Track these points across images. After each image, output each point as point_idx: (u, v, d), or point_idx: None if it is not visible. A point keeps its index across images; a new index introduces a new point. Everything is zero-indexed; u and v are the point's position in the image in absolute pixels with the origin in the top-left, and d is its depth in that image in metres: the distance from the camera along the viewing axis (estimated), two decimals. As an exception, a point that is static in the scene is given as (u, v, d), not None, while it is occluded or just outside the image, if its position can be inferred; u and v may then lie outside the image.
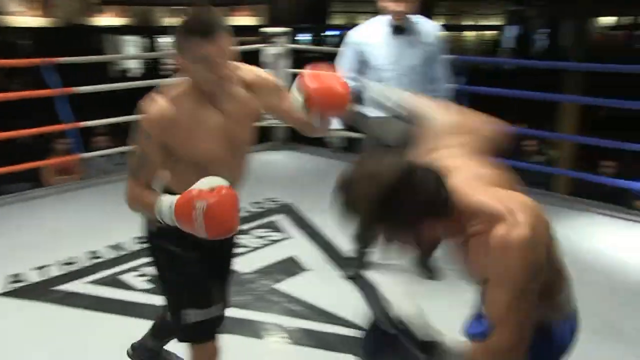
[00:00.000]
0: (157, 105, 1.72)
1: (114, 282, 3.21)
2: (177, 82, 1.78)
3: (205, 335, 1.93)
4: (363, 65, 3.04)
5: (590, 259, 3.35)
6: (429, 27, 3.05)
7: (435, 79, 3.07)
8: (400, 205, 1.20)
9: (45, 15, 17.40)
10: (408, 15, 2.96)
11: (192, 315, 1.87)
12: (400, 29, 2.97)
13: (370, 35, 3.02)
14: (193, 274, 1.90)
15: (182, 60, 1.69)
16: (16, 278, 3.25)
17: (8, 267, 3.34)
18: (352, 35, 3.09)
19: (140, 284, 3.17)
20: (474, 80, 4.83)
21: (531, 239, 1.22)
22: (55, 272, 3.33)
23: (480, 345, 1.30)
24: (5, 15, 16.58)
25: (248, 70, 1.89)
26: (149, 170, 1.76)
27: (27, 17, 17.06)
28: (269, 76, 1.95)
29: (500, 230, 1.23)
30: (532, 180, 4.21)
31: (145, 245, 1.97)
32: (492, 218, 1.25)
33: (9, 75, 14.01)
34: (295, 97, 1.85)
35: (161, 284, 1.98)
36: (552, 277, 1.40)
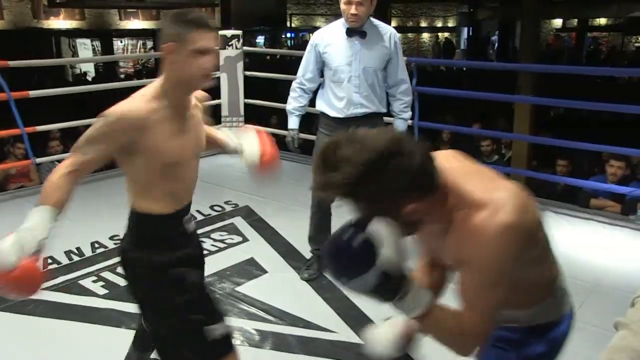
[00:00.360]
0: (134, 104, 1.69)
1: (72, 287, 3.17)
2: (149, 85, 1.77)
3: (231, 344, 1.88)
4: (324, 66, 3.13)
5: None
6: (386, 30, 3.12)
7: (394, 81, 3.15)
8: (387, 173, 1.15)
9: (-6, 18, 16.95)
10: (368, 18, 3.02)
11: (219, 329, 1.81)
12: (356, 32, 3.02)
13: (330, 37, 3.09)
14: (201, 288, 1.89)
15: (175, 51, 1.66)
16: None
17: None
18: (314, 37, 3.18)
19: (99, 289, 3.14)
20: (431, 82, 4.93)
21: (512, 227, 1.21)
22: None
23: (452, 315, 1.28)
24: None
25: None
26: (89, 158, 1.68)
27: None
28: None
29: (482, 215, 1.23)
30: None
31: (126, 268, 1.88)
32: (477, 203, 1.24)
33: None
34: (239, 142, 2.05)
35: (160, 307, 1.83)
36: (545, 272, 1.43)
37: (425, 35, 24.33)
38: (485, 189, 1.27)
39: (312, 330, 2.76)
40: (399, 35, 3.16)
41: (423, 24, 23.90)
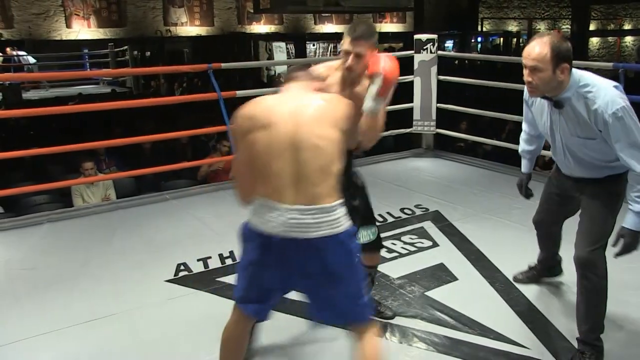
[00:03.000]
0: None
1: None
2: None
3: None
4: None
5: None
6: (594, 103, 2.31)
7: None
8: None
9: (204, 24, 18.58)
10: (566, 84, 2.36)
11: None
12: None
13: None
14: None
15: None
16: (184, 267, 3.52)
17: (177, 257, 3.63)
18: None
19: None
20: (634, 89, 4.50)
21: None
22: (215, 264, 3.56)
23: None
24: (172, 26, 17.93)
25: None
26: None
27: (190, 27, 18.33)
28: None
29: None
30: None
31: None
32: None
33: (172, 81, 15.17)
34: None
35: None
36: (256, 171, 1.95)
37: (629, 39, 22.39)
38: None
39: (503, 343, 2.65)
40: (617, 108, 2.25)
41: (627, 26, 21.97)
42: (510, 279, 3.23)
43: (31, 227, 4.34)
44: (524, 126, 2.89)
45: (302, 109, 1.96)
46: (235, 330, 2.09)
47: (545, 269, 3.16)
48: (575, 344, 2.56)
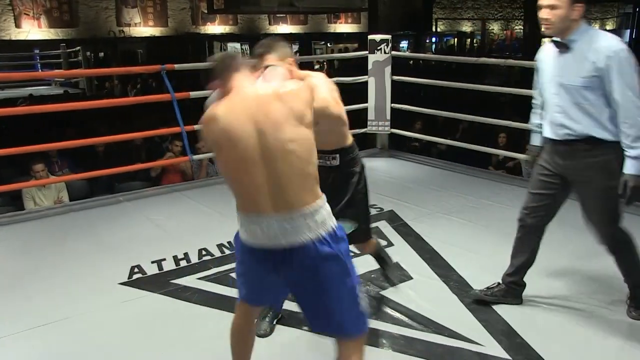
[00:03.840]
0: None
1: (221, 279, 3.34)
2: None
3: None
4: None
5: None
6: (600, 44, 2.51)
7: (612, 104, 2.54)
8: None
9: (158, 25, 18.34)
10: (577, 25, 2.56)
11: None
12: (561, 43, 2.61)
13: (545, 51, 2.77)
14: None
15: None
16: (138, 269, 3.48)
17: (131, 259, 3.58)
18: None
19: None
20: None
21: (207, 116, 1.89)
22: (169, 266, 3.52)
23: None
24: (125, 26, 17.64)
25: None
26: None
27: (144, 27, 18.07)
28: None
29: None
30: None
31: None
32: None
33: (125, 82, 14.93)
34: None
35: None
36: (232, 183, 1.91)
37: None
38: None
39: (457, 340, 2.69)
40: (620, 48, 2.46)
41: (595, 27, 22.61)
42: (465, 277, 3.28)
43: (-21, 231, 4.22)
44: (535, 96, 2.93)
45: (261, 115, 1.83)
46: (242, 320, 2.12)
47: (511, 291, 2.98)
48: (532, 342, 2.64)
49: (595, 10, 22.40)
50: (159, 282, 3.32)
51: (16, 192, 5.40)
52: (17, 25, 16.09)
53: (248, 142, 1.81)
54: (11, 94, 13.34)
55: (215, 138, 1.88)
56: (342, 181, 2.69)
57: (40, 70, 15.99)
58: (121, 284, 3.32)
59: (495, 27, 25.45)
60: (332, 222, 1.91)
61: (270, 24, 20.85)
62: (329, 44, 23.63)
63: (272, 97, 1.87)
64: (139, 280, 3.35)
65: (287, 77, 2.22)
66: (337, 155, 2.67)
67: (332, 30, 23.04)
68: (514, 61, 7.47)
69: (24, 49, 16.30)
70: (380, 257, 3.13)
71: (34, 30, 16.36)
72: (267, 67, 2.26)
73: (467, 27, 24.73)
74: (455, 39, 25.02)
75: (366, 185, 2.81)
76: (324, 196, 1.93)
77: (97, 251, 3.80)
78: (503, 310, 2.91)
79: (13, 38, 16.05)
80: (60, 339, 2.79)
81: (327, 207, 1.93)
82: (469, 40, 25.21)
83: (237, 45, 21.18)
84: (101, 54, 17.87)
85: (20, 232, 4.24)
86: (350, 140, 2.73)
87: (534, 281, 3.03)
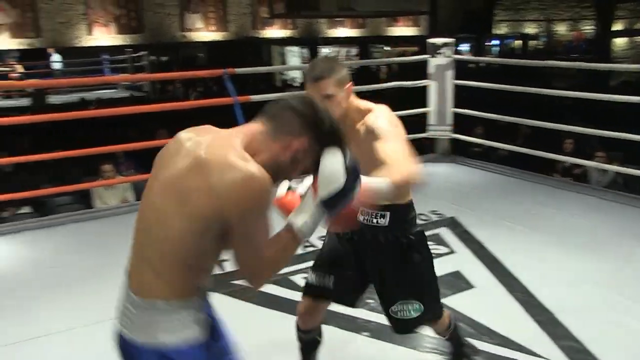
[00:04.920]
0: None
1: (282, 281, 3.36)
2: None
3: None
4: None
5: None
6: None
7: None
8: None
9: (219, 29, 18.70)
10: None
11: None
12: None
13: None
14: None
15: None
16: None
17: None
18: None
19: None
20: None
21: None
22: (230, 267, 3.56)
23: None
24: (188, 32, 18.09)
25: None
26: None
27: (205, 32, 18.47)
28: None
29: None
30: None
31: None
32: None
33: (187, 85, 15.29)
34: None
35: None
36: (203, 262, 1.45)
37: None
38: None
39: (523, 353, 2.62)
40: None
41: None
42: (529, 287, 3.19)
43: (55, 227, 4.46)
44: None
45: (169, 168, 1.41)
46: None
47: None
48: (600, 356, 2.55)
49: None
50: (220, 282, 3.36)
51: (85, 190, 5.63)
52: (89, 33, 16.75)
53: (150, 191, 1.50)
54: (80, 97, 13.86)
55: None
56: (393, 251, 2.11)
57: (108, 75, 16.61)
58: (183, 284, 3.38)
59: (561, 29, 24.73)
60: (185, 335, 1.42)
61: (328, 27, 20.92)
62: (386, 47, 23.53)
63: (200, 149, 1.37)
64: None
65: (343, 108, 1.94)
66: (388, 214, 2.09)
67: (390, 34, 22.93)
68: (584, 64, 7.22)
69: (94, 55, 16.99)
70: (455, 341, 2.43)
71: (103, 36, 16.98)
72: (327, 96, 1.90)
73: (530, 29, 24.14)
74: (518, 41, 24.48)
75: (430, 255, 2.22)
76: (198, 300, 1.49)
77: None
78: (572, 325, 2.82)
79: (85, 45, 16.73)
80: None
81: (188, 316, 1.43)
82: (532, 42, 24.63)
83: (296, 49, 21.35)
84: (163, 58, 18.35)
85: (90, 229, 4.42)
86: (409, 196, 2.15)
87: (611, 297, 2.93)
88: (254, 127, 1.41)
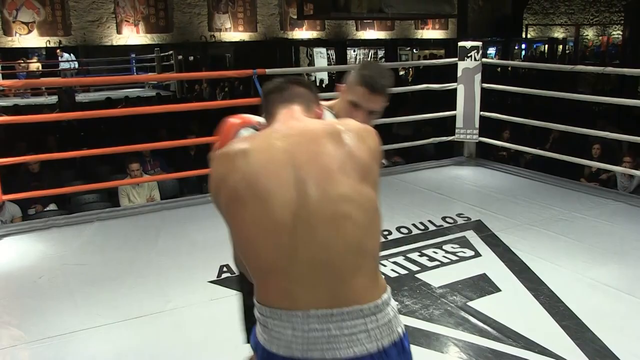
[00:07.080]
0: None
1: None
2: None
3: None
4: None
5: None
6: None
7: None
8: None
9: (248, 30, 18.82)
10: None
11: None
12: None
13: None
14: None
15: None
16: (227, 269, 3.57)
17: (220, 259, 3.67)
18: None
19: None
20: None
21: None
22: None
23: None
24: (217, 31, 18.24)
25: None
26: None
27: (233, 32, 18.60)
28: None
29: None
30: None
31: None
32: None
33: (214, 85, 15.42)
34: None
35: None
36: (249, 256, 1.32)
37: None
38: None
39: (548, 358, 2.61)
40: None
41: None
42: (555, 292, 3.17)
43: (82, 224, 4.52)
44: None
45: (304, 158, 1.30)
46: None
47: None
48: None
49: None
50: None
51: (112, 188, 5.71)
52: (118, 32, 16.97)
53: (285, 195, 1.26)
54: (109, 95, 14.08)
55: (236, 185, 1.30)
56: None
57: (135, 74, 16.82)
58: (210, 282, 3.43)
59: (589, 33, 24.43)
60: (400, 328, 1.33)
61: (357, 29, 20.91)
62: (414, 50, 23.46)
63: (325, 133, 1.35)
64: (227, 279, 3.44)
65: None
66: None
67: (418, 37, 22.85)
68: (612, 69, 7.15)
69: (122, 54, 17.21)
70: None
71: (132, 35, 17.19)
72: (373, 111, 1.93)
73: (558, 33, 23.87)
74: (546, 46, 24.23)
75: None
76: (389, 288, 1.35)
77: (188, 249, 3.94)
78: (598, 330, 2.80)
79: (114, 44, 16.95)
80: (153, 332, 2.91)
81: (394, 304, 1.35)
82: (560, 46, 24.35)
83: (323, 50, 21.39)
84: (191, 58, 18.52)
85: (117, 227, 4.47)
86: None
87: (638, 303, 2.89)
88: (298, 108, 1.54)
